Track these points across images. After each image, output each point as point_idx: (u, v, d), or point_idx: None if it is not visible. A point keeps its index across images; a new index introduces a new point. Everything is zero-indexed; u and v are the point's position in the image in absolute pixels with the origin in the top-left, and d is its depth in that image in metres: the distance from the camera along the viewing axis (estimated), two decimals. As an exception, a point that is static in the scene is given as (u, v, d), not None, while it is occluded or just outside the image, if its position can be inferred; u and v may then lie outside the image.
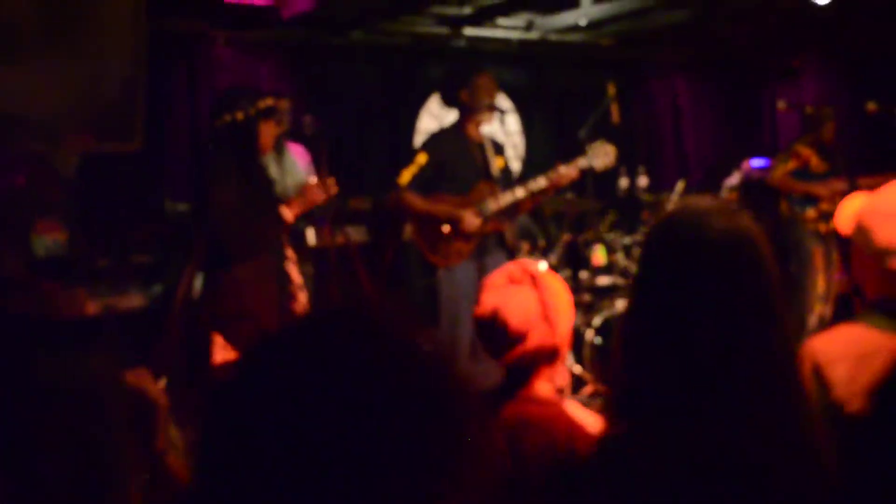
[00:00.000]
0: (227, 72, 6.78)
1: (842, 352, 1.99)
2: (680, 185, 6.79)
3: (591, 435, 2.13)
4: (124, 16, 5.33)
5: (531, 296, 2.31)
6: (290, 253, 4.78)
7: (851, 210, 2.16)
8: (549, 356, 2.32)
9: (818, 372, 1.99)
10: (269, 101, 4.71)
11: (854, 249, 2.16)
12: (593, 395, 5.48)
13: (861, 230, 2.09)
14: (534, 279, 2.34)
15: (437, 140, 5.57)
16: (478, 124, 5.51)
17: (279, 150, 4.85)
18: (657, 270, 1.59)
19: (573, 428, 2.19)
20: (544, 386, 2.34)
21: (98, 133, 5.17)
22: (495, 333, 2.31)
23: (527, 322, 2.28)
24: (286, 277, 4.73)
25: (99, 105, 5.15)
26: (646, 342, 1.56)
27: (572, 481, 1.68)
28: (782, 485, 1.46)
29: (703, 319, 1.50)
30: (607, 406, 1.69)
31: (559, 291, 2.36)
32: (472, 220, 5.32)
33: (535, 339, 2.29)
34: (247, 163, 4.71)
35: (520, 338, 2.29)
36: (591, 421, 2.21)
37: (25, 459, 1.00)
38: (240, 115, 4.67)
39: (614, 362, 1.69)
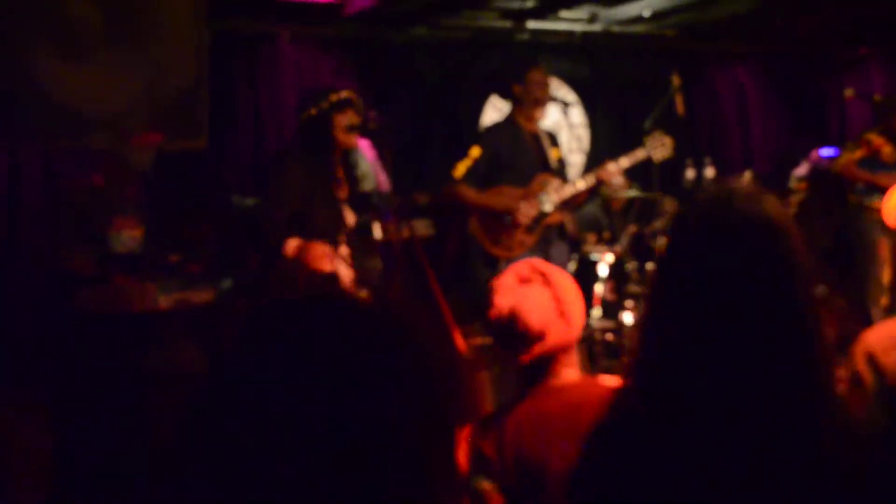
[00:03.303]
0: (289, 68, 6.84)
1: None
2: (747, 176, 6.72)
3: None
4: (187, 14, 5.42)
5: (545, 294, 2.32)
6: (343, 251, 4.80)
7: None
8: (566, 349, 2.34)
9: (872, 360, 2.00)
10: (342, 94, 4.77)
11: None
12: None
13: None
14: (544, 277, 2.35)
15: (491, 133, 5.61)
16: (531, 117, 5.52)
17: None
18: (675, 254, 1.55)
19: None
20: (569, 371, 2.36)
21: (164, 131, 5.26)
22: (513, 334, 2.33)
23: (545, 321, 2.31)
24: (335, 276, 4.76)
25: (163, 103, 5.24)
26: (665, 334, 1.50)
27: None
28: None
29: (721, 303, 1.44)
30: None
31: (569, 286, 2.39)
32: (527, 211, 5.32)
33: (553, 337, 2.31)
34: (319, 157, 4.77)
35: (539, 337, 2.31)
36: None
37: None
38: (314, 111, 4.74)
39: (631, 352, 1.65)
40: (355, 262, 4.80)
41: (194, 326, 4.62)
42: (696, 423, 1.42)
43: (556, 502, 2.19)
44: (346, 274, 4.80)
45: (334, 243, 4.76)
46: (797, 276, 1.46)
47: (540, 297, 2.31)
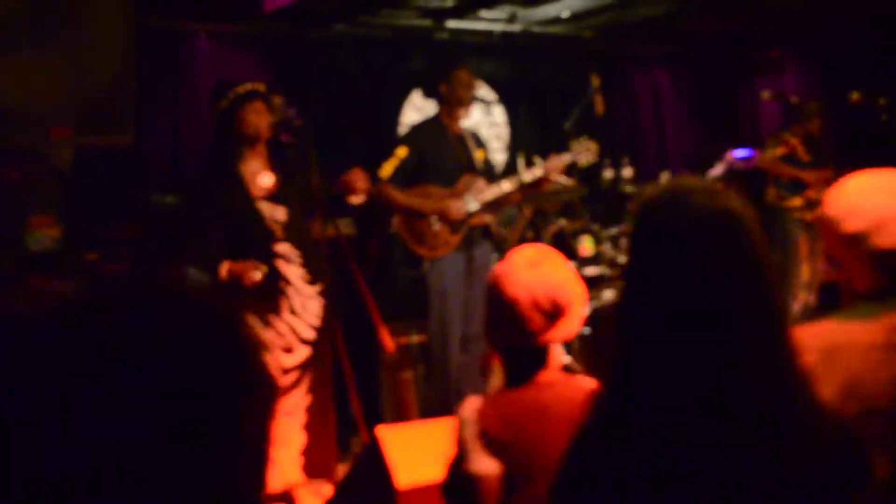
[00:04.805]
0: (208, 66, 6.74)
1: (808, 345, 2.00)
2: (664, 176, 6.82)
3: None
4: (112, 10, 5.30)
5: (562, 269, 2.32)
6: (283, 249, 4.69)
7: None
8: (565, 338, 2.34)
9: None
10: (248, 86, 4.69)
11: (830, 240, 2.15)
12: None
13: (831, 220, 2.09)
14: (551, 256, 2.35)
15: (417, 133, 5.59)
16: (456, 117, 5.52)
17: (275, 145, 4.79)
18: (641, 254, 1.57)
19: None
20: (554, 371, 2.34)
21: (90, 127, 5.13)
22: (540, 313, 2.26)
23: (571, 293, 2.29)
24: (276, 273, 4.65)
25: (90, 99, 5.12)
26: (638, 329, 1.53)
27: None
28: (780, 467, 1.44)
29: (690, 301, 1.47)
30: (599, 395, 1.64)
31: (568, 264, 2.41)
32: (458, 208, 5.32)
33: (578, 307, 2.31)
34: (225, 151, 4.68)
35: (562, 311, 2.28)
36: None
37: None
38: (224, 104, 4.66)
39: (608, 351, 1.66)
40: (306, 258, 4.71)
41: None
42: (669, 424, 1.43)
43: (540, 496, 2.20)
44: (292, 275, 4.69)
45: (267, 242, 4.65)
46: (759, 268, 1.48)
47: (560, 273, 2.31)
